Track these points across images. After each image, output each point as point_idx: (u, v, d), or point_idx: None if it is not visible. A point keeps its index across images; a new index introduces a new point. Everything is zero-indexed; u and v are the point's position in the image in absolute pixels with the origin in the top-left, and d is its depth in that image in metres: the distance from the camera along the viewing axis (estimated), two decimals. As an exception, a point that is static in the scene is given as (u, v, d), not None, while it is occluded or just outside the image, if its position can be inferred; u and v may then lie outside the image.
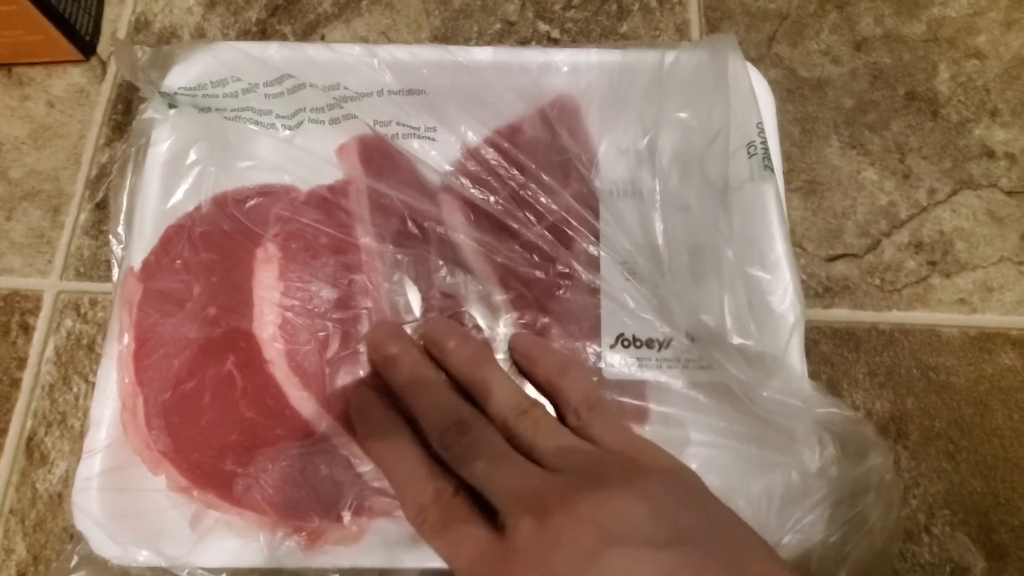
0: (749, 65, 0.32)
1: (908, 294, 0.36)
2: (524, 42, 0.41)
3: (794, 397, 0.26)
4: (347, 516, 0.27)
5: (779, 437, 0.27)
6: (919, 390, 0.34)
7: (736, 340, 0.27)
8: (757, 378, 0.26)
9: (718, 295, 0.28)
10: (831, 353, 0.35)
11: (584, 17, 0.42)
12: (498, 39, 0.41)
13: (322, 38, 0.41)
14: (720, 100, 0.30)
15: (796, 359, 0.28)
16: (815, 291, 0.36)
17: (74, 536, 0.30)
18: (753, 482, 0.27)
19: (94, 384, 0.32)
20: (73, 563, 0.28)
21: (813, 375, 0.33)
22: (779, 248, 0.28)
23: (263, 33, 0.41)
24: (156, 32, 0.42)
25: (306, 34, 0.41)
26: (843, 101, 0.40)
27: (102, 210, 0.37)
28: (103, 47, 0.41)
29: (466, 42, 0.41)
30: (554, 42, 0.41)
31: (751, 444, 0.28)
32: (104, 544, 0.27)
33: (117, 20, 0.42)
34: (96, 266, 0.36)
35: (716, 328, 0.27)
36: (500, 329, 0.30)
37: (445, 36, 0.41)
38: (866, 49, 0.41)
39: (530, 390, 0.29)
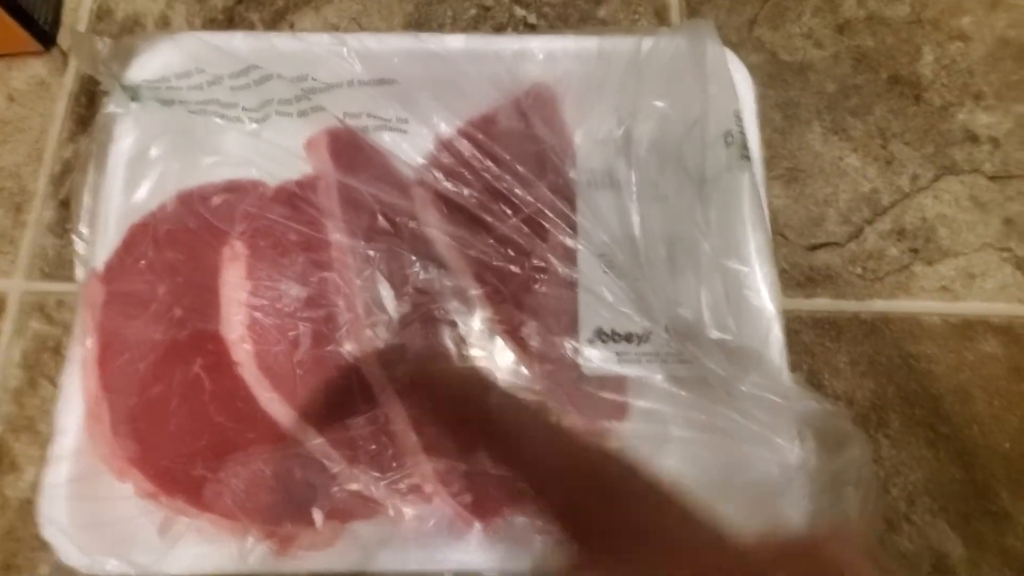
0: (728, 51, 0.32)
1: (890, 282, 0.35)
2: (500, 28, 0.40)
3: (773, 392, 0.26)
4: (320, 520, 0.26)
5: (759, 431, 0.27)
6: (900, 378, 0.34)
7: (714, 334, 0.27)
8: (736, 373, 0.26)
9: (695, 289, 0.27)
10: (813, 343, 0.34)
11: (561, 1, 0.41)
12: (473, 25, 0.40)
13: (291, 26, 0.40)
14: (697, 88, 0.29)
15: (775, 353, 0.27)
16: (797, 280, 0.35)
17: (44, 544, 0.29)
18: (734, 476, 0.27)
19: (61, 388, 0.31)
20: (45, 573, 0.28)
21: (794, 365, 0.33)
22: (756, 240, 0.28)
23: (230, 21, 0.40)
24: (119, 21, 0.40)
25: (275, 22, 0.40)
26: (825, 85, 0.39)
27: (66, 208, 0.36)
28: (64, 37, 0.40)
29: (440, 28, 0.40)
30: (531, 28, 0.40)
31: (731, 438, 0.27)
32: (72, 553, 0.26)
33: (78, 9, 0.40)
34: (62, 266, 0.35)
35: (694, 322, 0.27)
36: (475, 325, 0.30)
37: (418, 22, 0.40)
38: (849, 32, 0.40)
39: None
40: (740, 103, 0.30)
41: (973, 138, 0.38)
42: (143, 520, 0.27)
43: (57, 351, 0.34)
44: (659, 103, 0.30)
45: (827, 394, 0.33)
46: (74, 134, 0.38)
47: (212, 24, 0.40)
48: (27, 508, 0.32)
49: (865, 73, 0.39)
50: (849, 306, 0.35)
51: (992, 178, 0.37)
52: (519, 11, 0.40)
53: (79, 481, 0.27)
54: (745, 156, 0.29)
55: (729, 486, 0.27)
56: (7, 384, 0.33)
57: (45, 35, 0.39)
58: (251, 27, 0.40)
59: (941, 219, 0.37)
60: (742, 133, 0.29)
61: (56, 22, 0.40)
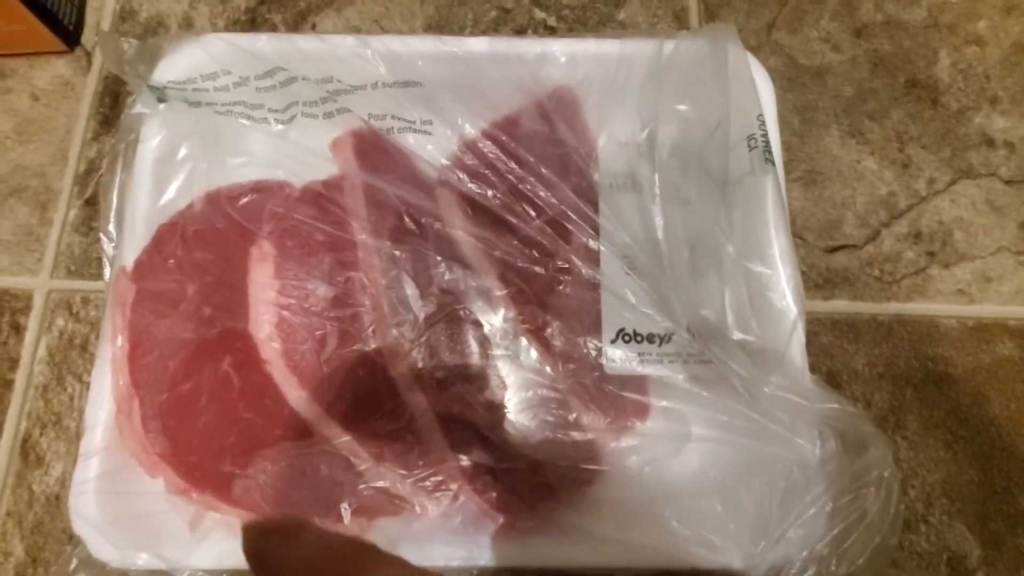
0: (749, 55, 0.32)
1: (907, 285, 0.36)
2: (520, 30, 0.40)
3: (795, 393, 0.26)
4: (347, 516, 0.27)
5: (780, 431, 0.27)
6: (918, 381, 0.34)
7: (737, 335, 0.27)
8: (758, 374, 0.26)
9: (719, 290, 0.28)
10: (830, 344, 0.35)
11: (581, 4, 0.41)
12: (493, 27, 0.40)
13: (313, 27, 0.40)
14: (720, 92, 0.30)
15: (797, 355, 0.28)
16: (815, 282, 0.36)
17: (73, 538, 0.30)
18: (754, 476, 0.27)
19: (88, 384, 0.31)
20: (72, 566, 0.28)
21: (812, 367, 0.33)
22: (780, 243, 0.28)
23: (252, 22, 0.40)
24: (142, 22, 0.41)
25: (297, 23, 0.40)
26: (843, 89, 0.39)
27: (91, 206, 0.37)
28: (87, 37, 0.40)
29: (461, 30, 0.40)
30: (551, 30, 0.40)
31: (752, 438, 0.28)
32: (102, 547, 0.27)
33: (101, 9, 0.41)
34: (87, 264, 0.36)
35: (717, 323, 0.27)
36: (499, 325, 0.30)
37: (439, 24, 0.40)
38: (866, 36, 0.40)
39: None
40: (762, 106, 0.30)
41: (989, 142, 0.38)
42: (172, 515, 0.27)
43: (83, 348, 0.34)
44: (681, 106, 0.31)
45: (846, 396, 0.33)
46: (98, 134, 0.38)
47: (235, 25, 0.40)
48: (54, 503, 0.32)
49: (882, 77, 0.40)
50: (867, 308, 0.35)
51: (1008, 182, 0.38)
52: (539, 14, 0.41)
53: (109, 476, 0.28)
54: (769, 159, 0.29)
55: (749, 486, 0.28)
56: (33, 380, 0.34)
57: (69, 35, 0.39)
58: (273, 28, 0.40)
59: (958, 222, 0.37)
60: (765, 137, 0.29)
61: (80, 22, 0.40)
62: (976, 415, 0.34)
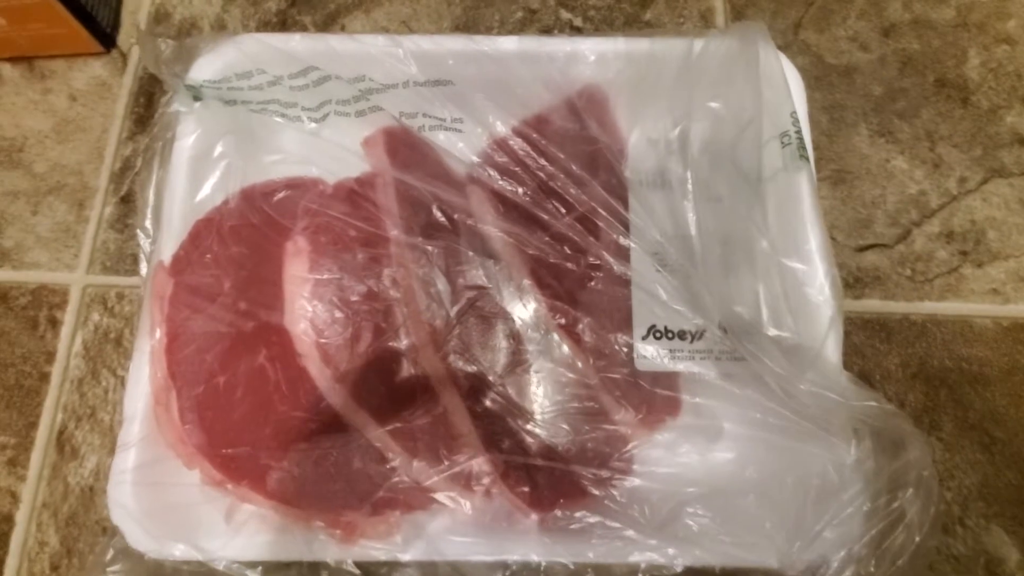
0: (780, 53, 0.32)
1: (940, 284, 0.35)
2: (546, 30, 0.40)
3: (831, 390, 0.26)
4: (382, 509, 0.27)
5: (814, 429, 0.27)
6: (952, 381, 0.34)
7: (772, 332, 0.27)
8: (793, 370, 0.26)
9: (751, 286, 0.28)
10: (862, 344, 0.34)
11: (607, 4, 0.41)
12: (520, 28, 0.41)
13: (342, 29, 0.41)
14: (751, 89, 0.30)
15: (833, 352, 0.27)
16: (845, 281, 0.35)
17: (108, 529, 0.30)
18: (789, 475, 0.27)
19: (123, 378, 0.32)
20: (109, 556, 0.28)
21: (845, 366, 0.33)
22: (815, 238, 0.28)
23: (283, 24, 0.41)
24: (176, 23, 0.41)
25: (326, 24, 0.41)
26: (872, 88, 0.39)
27: (126, 204, 0.37)
28: (123, 39, 0.41)
29: (488, 31, 0.40)
30: (577, 30, 0.40)
31: (786, 436, 0.27)
32: (140, 538, 0.27)
33: (137, 11, 0.42)
34: (122, 260, 0.36)
35: (751, 320, 0.27)
36: (530, 321, 0.30)
37: (466, 25, 0.41)
38: (895, 35, 0.40)
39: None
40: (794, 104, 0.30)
41: (1021, 141, 0.38)
42: (209, 507, 0.28)
43: (119, 342, 0.35)
44: (713, 104, 0.31)
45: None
46: (133, 133, 0.39)
47: (266, 27, 0.41)
48: (88, 495, 0.33)
49: (911, 76, 0.39)
50: (899, 307, 0.35)
51: (1042, 181, 0.37)
52: (565, 14, 0.41)
53: (146, 467, 0.28)
54: (804, 156, 0.29)
55: (784, 485, 0.27)
56: (70, 374, 0.34)
57: (106, 37, 0.40)
58: (303, 30, 0.41)
59: (990, 221, 0.36)
60: (799, 134, 0.29)
61: (116, 24, 0.41)
62: (1013, 416, 0.33)
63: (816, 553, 0.26)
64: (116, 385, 0.34)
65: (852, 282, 0.35)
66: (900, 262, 0.36)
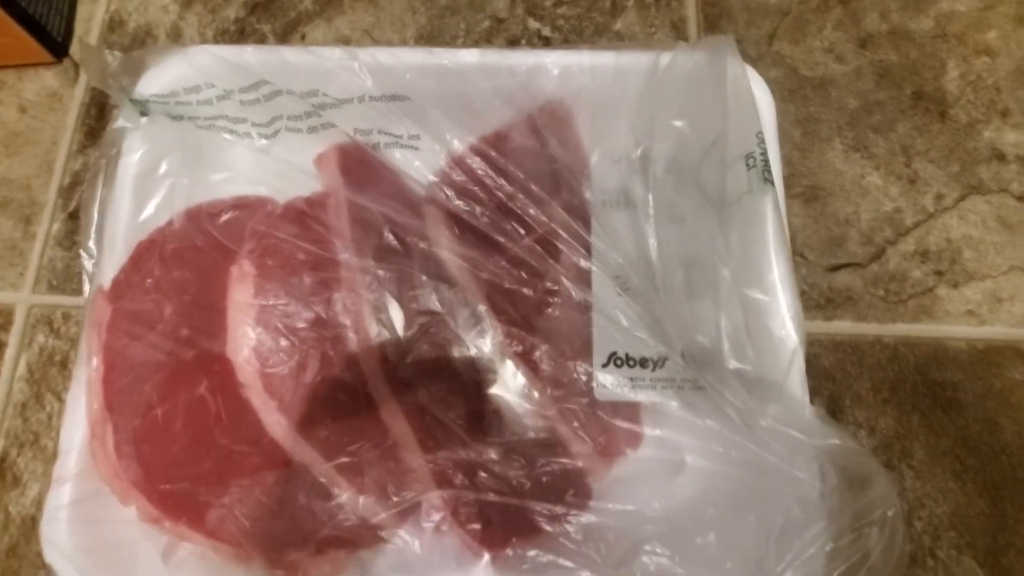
0: (749, 68, 0.31)
1: (913, 305, 0.34)
2: (514, 40, 0.39)
3: (794, 427, 0.25)
4: (327, 548, 0.26)
5: (778, 464, 0.26)
6: (925, 406, 0.33)
7: (733, 364, 0.26)
8: (755, 405, 0.25)
9: (714, 315, 0.26)
10: (833, 367, 0.33)
11: (576, 14, 0.40)
12: (487, 37, 0.39)
13: (303, 38, 0.39)
14: (717, 107, 0.28)
15: (796, 385, 0.26)
16: (816, 302, 0.34)
17: (46, 565, 0.29)
18: (751, 511, 0.26)
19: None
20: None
21: (814, 391, 0.32)
22: (779, 267, 0.27)
23: (241, 32, 0.40)
24: (131, 32, 0.40)
25: (286, 33, 0.40)
26: (847, 101, 0.38)
27: (75, 220, 0.36)
28: (76, 48, 0.39)
29: (453, 41, 0.39)
30: (545, 40, 0.39)
31: (749, 471, 0.26)
32: (73, 578, 0.26)
33: (90, 19, 0.40)
34: (69, 279, 0.35)
35: (712, 350, 0.26)
36: (486, 348, 0.29)
37: (431, 35, 0.39)
38: (871, 46, 0.39)
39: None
40: (762, 122, 0.29)
41: (1000, 156, 0.37)
42: (146, 544, 0.26)
43: (64, 365, 0.33)
44: (677, 122, 0.29)
45: (849, 422, 0.32)
46: (84, 146, 0.37)
47: (224, 35, 0.40)
48: (30, 525, 0.31)
49: (888, 89, 0.38)
50: (871, 329, 0.34)
51: (1020, 198, 0.36)
52: (533, 24, 0.40)
53: (82, 503, 0.27)
54: (768, 179, 0.28)
55: (746, 523, 0.26)
56: (12, 398, 0.33)
57: (57, 46, 0.39)
58: (263, 38, 0.39)
59: (967, 240, 0.36)
60: (764, 155, 0.28)
61: (68, 33, 0.40)
62: (986, 443, 0.32)
63: (777, 594, 0.25)
64: (61, 410, 0.33)
65: (823, 303, 0.34)
66: (873, 282, 0.35)
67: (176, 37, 0.40)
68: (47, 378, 0.33)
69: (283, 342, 0.28)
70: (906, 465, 0.32)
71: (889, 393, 0.33)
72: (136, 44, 0.40)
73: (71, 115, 0.38)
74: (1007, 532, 0.31)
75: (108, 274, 0.30)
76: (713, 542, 0.26)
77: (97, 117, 0.38)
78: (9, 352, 0.34)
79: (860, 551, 0.24)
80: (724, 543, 0.26)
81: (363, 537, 0.26)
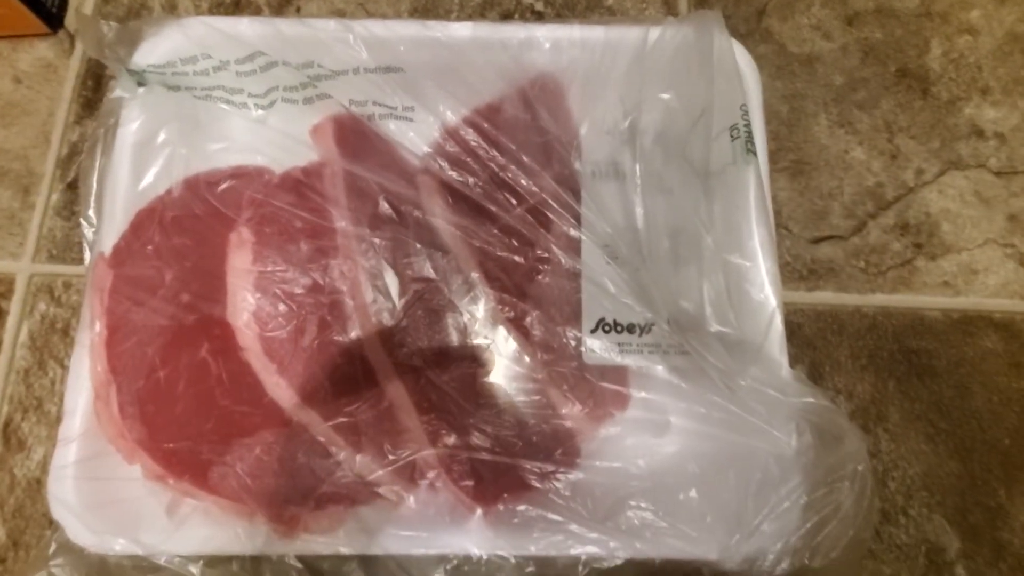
0: (735, 43, 0.31)
1: (892, 277, 0.36)
2: (507, 14, 0.40)
3: (772, 387, 0.26)
4: (325, 504, 0.27)
5: (757, 424, 0.27)
6: (900, 373, 0.34)
7: (715, 327, 0.27)
8: (736, 366, 0.26)
9: (697, 282, 0.27)
10: (814, 336, 0.34)
11: (569, -11, 0.40)
12: (480, 11, 0.40)
13: (298, 10, 0.40)
14: (704, 81, 0.29)
15: (775, 347, 0.27)
16: (799, 273, 0.35)
17: (53, 523, 0.30)
18: (731, 469, 0.27)
19: (69, 369, 0.31)
20: (51, 550, 0.28)
21: (796, 358, 0.33)
22: (760, 235, 0.28)
23: (237, 5, 0.40)
24: (125, 3, 0.40)
25: (281, 6, 0.40)
26: (833, 78, 0.39)
27: (74, 190, 0.37)
28: (71, 19, 0.40)
29: (447, 13, 0.40)
30: (538, 15, 0.40)
31: (730, 430, 0.28)
32: (80, 533, 0.27)
33: (85, -9, 0.40)
34: (69, 248, 0.36)
35: (695, 315, 0.27)
36: (478, 314, 0.30)
37: (425, 7, 0.40)
38: (858, 23, 0.40)
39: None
40: (747, 95, 0.30)
41: (979, 133, 0.38)
42: (150, 501, 0.27)
43: (65, 333, 0.34)
44: (665, 95, 0.30)
45: (828, 387, 0.33)
46: (81, 117, 0.38)
47: (219, 8, 0.40)
48: (35, 487, 0.32)
49: (873, 66, 0.39)
50: (851, 300, 0.35)
51: (997, 174, 0.37)
52: (526, -2, 0.40)
53: (87, 462, 0.28)
54: (751, 151, 0.29)
55: (726, 479, 0.28)
56: (16, 364, 0.34)
57: (52, 17, 0.39)
58: (258, 11, 0.40)
59: (945, 214, 0.37)
60: (748, 127, 0.29)
61: (64, 4, 0.40)
62: (958, 408, 0.33)
63: (755, 546, 0.26)
64: (63, 376, 0.34)
65: (806, 274, 0.35)
66: (854, 254, 0.36)
67: (171, 8, 0.40)
68: (49, 345, 0.34)
69: (281, 307, 0.28)
70: (882, 429, 0.33)
71: (867, 360, 0.34)
72: (131, 15, 0.40)
73: (67, 86, 0.38)
74: (975, 491, 0.32)
75: (108, 242, 0.30)
76: (695, 497, 0.27)
77: (94, 88, 0.38)
78: (11, 320, 0.35)
79: (832, 504, 0.25)
80: (705, 498, 0.27)
81: (360, 493, 0.27)
